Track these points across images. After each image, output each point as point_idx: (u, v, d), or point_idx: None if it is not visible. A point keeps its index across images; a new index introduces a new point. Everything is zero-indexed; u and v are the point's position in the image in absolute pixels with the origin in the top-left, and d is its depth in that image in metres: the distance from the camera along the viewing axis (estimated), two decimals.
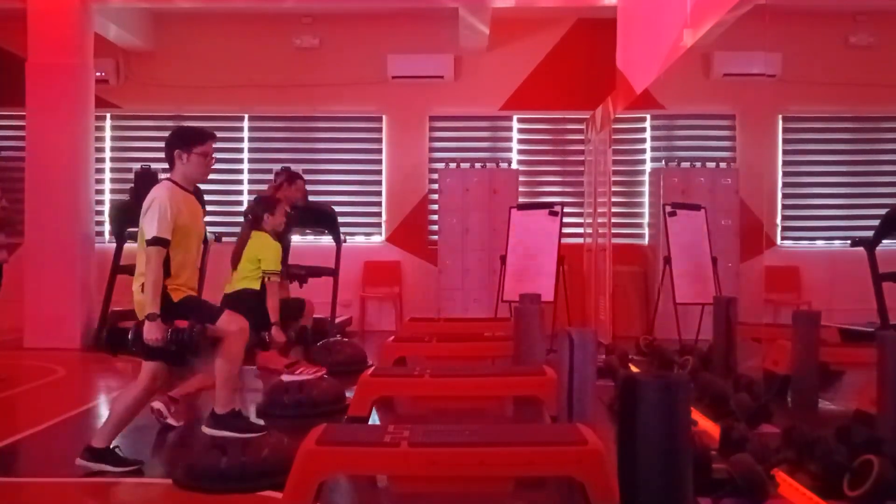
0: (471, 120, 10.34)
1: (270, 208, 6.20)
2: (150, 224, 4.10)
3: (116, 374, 7.09)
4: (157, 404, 4.95)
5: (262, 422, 5.01)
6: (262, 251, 6.02)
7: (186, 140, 4.31)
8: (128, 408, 4.21)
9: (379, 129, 10.34)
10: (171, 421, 4.99)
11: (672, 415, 2.64)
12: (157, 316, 4.03)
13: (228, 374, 4.49)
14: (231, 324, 4.41)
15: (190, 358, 4.28)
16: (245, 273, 6.06)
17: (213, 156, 4.42)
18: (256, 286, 5.99)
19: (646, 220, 9.83)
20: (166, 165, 4.42)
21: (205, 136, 4.37)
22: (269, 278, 5.91)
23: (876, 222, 6.16)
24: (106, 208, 9.79)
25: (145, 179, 8.39)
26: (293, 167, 7.75)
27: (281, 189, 7.23)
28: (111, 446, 4.14)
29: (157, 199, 4.14)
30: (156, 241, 4.08)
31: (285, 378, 5.89)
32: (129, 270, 8.03)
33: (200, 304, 4.40)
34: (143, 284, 4.14)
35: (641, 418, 2.64)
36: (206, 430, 4.46)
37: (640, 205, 9.97)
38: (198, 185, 4.59)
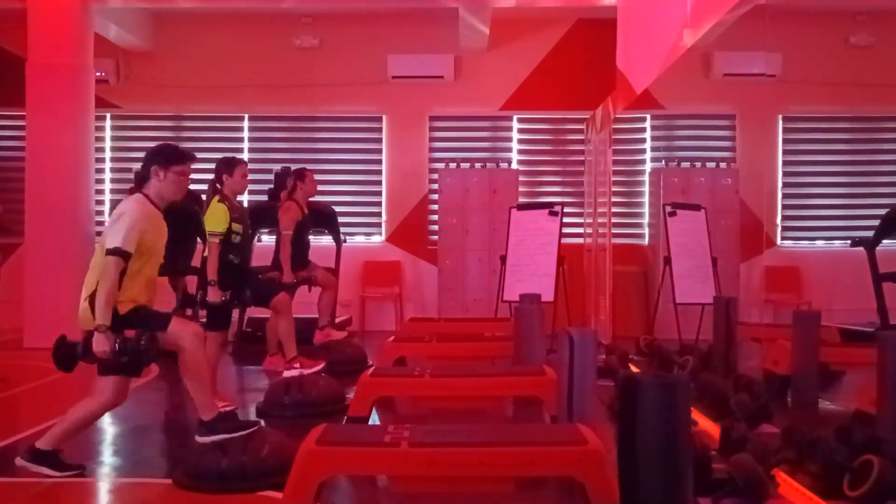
0: (471, 120, 10.34)
1: (229, 168, 6.02)
2: (115, 234, 4.03)
3: None
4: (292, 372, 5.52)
5: (256, 419, 5.00)
6: (207, 213, 5.93)
7: (167, 158, 4.28)
8: (83, 419, 4.17)
9: (379, 129, 10.34)
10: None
11: (672, 415, 2.64)
12: (106, 328, 3.94)
13: (200, 384, 4.35)
14: (183, 335, 4.24)
15: (144, 366, 4.16)
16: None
17: (190, 177, 4.38)
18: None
19: (646, 220, 9.83)
20: None
21: (185, 157, 4.34)
22: (209, 238, 5.83)
23: (876, 222, 6.17)
24: (106, 208, 9.79)
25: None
26: (293, 167, 7.75)
27: (296, 190, 7.24)
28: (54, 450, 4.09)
29: (129, 213, 4.09)
30: (117, 252, 4.00)
31: (285, 373, 5.90)
32: None
33: (148, 313, 4.25)
34: (90, 296, 4.04)
35: (641, 418, 2.64)
36: (199, 439, 4.42)
37: (640, 205, 9.97)
38: (190, 188, 4.56)
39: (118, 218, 4.10)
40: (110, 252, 4.01)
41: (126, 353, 3.97)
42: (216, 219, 5.80)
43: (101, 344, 3.94)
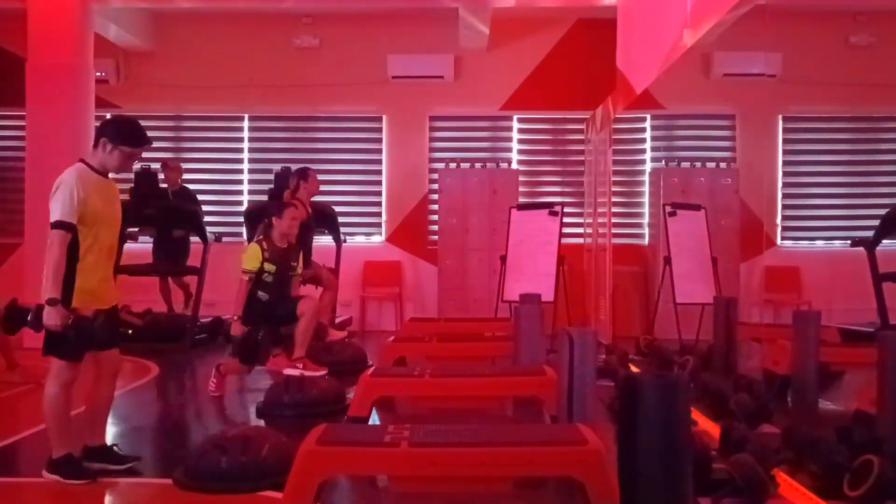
0: (471, 120, 10.34)
1: (279, 212, 6.27)
2: (53, 207, 3.91)
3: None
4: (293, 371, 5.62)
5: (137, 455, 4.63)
6: (244, 252, 6.23)
7: (121, 136, 4.08)
8: (51, 413, 3.99)
9: (379, 129, 10.35)
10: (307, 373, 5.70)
11: (672, 415, 2.64)
12: (57, 301, 3.81)
13: (50, 420, 4.03)
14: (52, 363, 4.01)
15: (85, 350, 4.00)
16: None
17: (139, 158, 4.24)
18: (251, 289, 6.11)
19: (646, 220, 9.83)
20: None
21: (140, 142, 4.16)
22: (242, 275, 6.08)
23: (876, 222, 6.17)
24: None
25: (145, 179, 8.40)
26: (293, 167, 7.75)
27: (298, 190, 7.26)
28: (71, 454, 4.03)
29: (64, 182, 3.95)
30: (58, 225, 3.87)
31: (286, 371, 5.91)
32: (128, 270, 8.16)
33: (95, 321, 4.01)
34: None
35: (641, 418, 2.63)
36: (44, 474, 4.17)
37: (640, 205, 9.97)
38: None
39: (55, 190, 3.96)
40: (53, 226, 3.89)
41: (76, 329, 3.86)
42: (249, 257, 6.07)
43: (51, 317, 3.82)
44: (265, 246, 6.10)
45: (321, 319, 6.93)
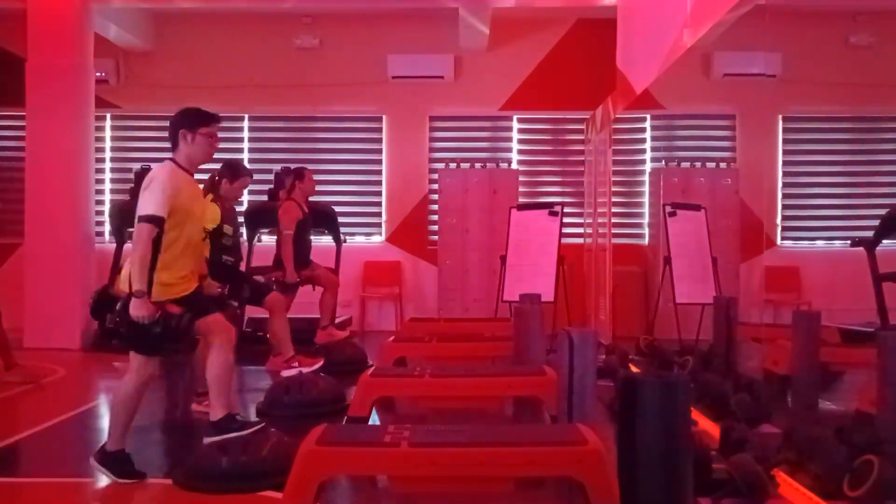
0: (471, 120, 10.34)
1: (233, 175, 6.06)
2: (145, 202, 3.98)
3: (117, 373, 7.09)
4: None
5: (259, 419, 4.96)
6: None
7: (192, 121, 4.23)
8: (122, 406, 4.07)
9: (379, 129, 10.34)
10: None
11: (672, 415, 2.64)
12: (143, 293, 3.88)
13: (218, 384, 4.26)
14: (219, 331, 4.22)
15: (171, 348, 4.09)
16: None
17: (219, 136, 4.32)
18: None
19: (646, 220, 9.83)
20: None
21: (210, 118, 4.30)
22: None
23: (876, 222, 6.16)
24: (106, 208, 9.79)
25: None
26: (293, 167, 7.75)
27: (294, 189, 7.25)
28: (124, 450, 4.06)
29: (157, 178, 4.03)
30: (148, 219, 3.95)
31: (284, 373, 5.91)
32: None
33: (197, 296, 4.21)
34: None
35: (641, 418, 2.63)
36: (206, 440, 4.37)
37: (640, 205, 9.97)
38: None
39: (147, 185, 4.04)
40: (142, 219, 3.96)
41: (160, 326, 3.91)
42: (209, 217, 5.78)
43: (138, 308, 3.87)
44: (220, 205, 5.87)
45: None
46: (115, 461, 4.03)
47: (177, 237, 4.06)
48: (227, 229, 5.89)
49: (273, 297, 6.28)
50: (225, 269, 5.83)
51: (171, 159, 4.20)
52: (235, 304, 6.19)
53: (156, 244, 3.98)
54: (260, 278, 7.11)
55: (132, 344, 4.04)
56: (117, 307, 3.99)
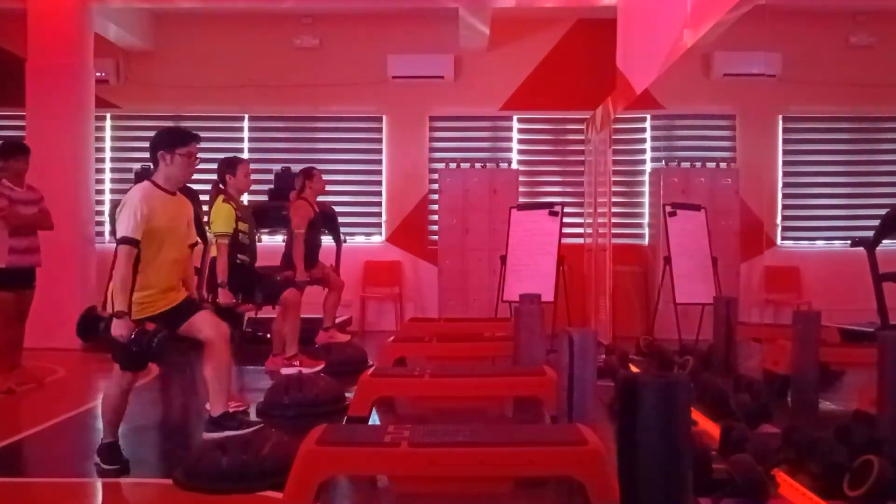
0: (471, 120, 10.34)
1: (231, 168, 6.05)
2: (120, 224, 4.15)
3: None
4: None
5: (258, 420, 5.00)
6: (213, 214, 5.95)
7: (170, 141, 4.35)
8: (109, 407, 4.24)
9: (379, 130, 10.34)
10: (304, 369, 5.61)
11: (672, 415, 2.64)
12: (124, 314, 4.03)
13: (218, 379, 4.45)
14: (209, 326, 4.39)
15: (146, 363, 4.25)
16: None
17: (198, 156, 4.44)
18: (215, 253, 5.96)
19: (646, 220, 9.83)
20: None
21: (188, 138, 4.41)
22: (217, 240, 5.87)
23: (876, 222, 6.16)
24: (106, 208, 9.79)
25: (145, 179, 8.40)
26: (294, 168, 7.76)
27: (304, 189, 7.26)
28: (116, 442, 4.22)
29: (129, 202, 4.18)
30: (123, 241, 4.11)
31: (283, 370, 5.90)
32: None
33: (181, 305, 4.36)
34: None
35: (641, 418, 2.63)
36: (206, 435, 4.43)
37: (640, 205, 9.97)
38: (188, 185, 4.61)
39: (121, 208, 4.19)
40: (119, 241, 4.12)
41: (137, 345, 4.03)
42: (223, 220, 5.84)
43: (118, 328, 4.02)
44: (233, 205, 5.87)
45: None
46: (105, 450, 4.19)
47: (153, 257, 4.20)
48: (243, 226, 5.90)
49: (289, 294, 6.27)
50: (239, 274, 5.85)
51: (150, 180, 4.34)
52: (245, 311, 6.19)
53: (134, 265, 4.14)
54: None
55: (115, 358, 4.18)
56: (101, 325, 4.14)
